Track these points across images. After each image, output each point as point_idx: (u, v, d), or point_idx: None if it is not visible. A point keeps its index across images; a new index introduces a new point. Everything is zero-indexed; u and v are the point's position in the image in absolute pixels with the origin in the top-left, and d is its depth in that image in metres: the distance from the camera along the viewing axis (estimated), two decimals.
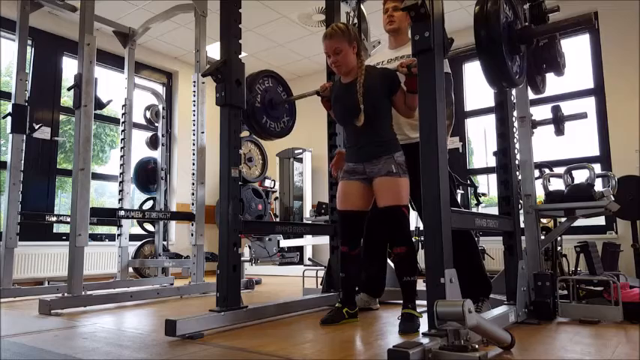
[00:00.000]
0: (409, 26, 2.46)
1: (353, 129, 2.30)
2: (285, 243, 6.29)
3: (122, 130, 4.24)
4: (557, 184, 2.70)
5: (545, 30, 2.01)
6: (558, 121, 2.76)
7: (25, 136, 3.69)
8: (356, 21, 3.37)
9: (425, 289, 1.61)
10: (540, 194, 2.68)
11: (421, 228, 3.93)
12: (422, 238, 3.39)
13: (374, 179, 2.25)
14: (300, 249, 6.55)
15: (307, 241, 6.22)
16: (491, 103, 2.48)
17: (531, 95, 2.58)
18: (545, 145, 4.00)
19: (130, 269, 4.22)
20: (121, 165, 4.16)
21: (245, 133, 6.10)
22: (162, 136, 4.73)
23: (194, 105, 3.79)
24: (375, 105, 2.24)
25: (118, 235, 4.08)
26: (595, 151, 4.81)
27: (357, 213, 2.35)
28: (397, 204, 2.18)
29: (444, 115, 1.69)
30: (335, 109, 2.45)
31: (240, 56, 2.37)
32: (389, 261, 2.96)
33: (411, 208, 2.42)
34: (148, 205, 4.94)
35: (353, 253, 2.36)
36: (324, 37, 2.33)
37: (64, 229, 4.99)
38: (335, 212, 3.01)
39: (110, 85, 5.54)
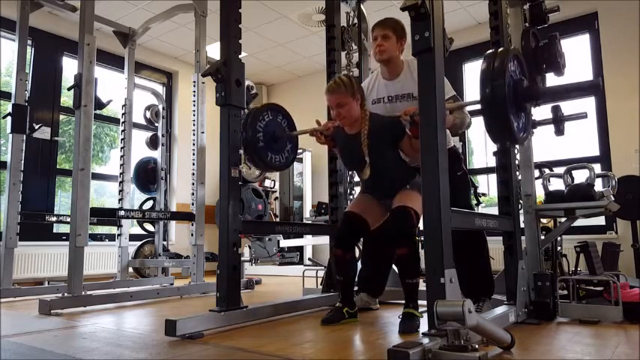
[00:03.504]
0: (401, 53, 2.45)
1: (362, 176, 2.31)
2: (285, 243, 6.29)
3: (122, 130, 4.24)
4: (557, 184, 2.70)
5: (552, 91, 1.97)
6: (558, 121, 2.75)
7: (25, 136, 3.69)
8: (356, 21, 3.37)
9: (425, 289, 1.61)
10: (540, 194, 2.67)
11: (421, 228, 3.93)
12: (422, 238, 3.40)
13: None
14: (300, 249, 6.54)
15: (307, 241, 6.22)
16: None
17: None
18: (545, 145, 4.00)
19: (130, 269, 4.22)
20: (121, 165, 4.17)
21: None
22: (163, 136, 4.73)
23: (194, 105, 3.79)
24: (382, 155, 2.26)
25: (118, 235, 4.08)
26: (595, 151, 4.81)
27: (363, 221, 2.36)
28: (408, 205, 2.18)
29: (444, 115, 1.70)
30: (342, 157, 2.48)
31: (240, 56, 2.37)
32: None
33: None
34: (148, 205, 4.94)
35: (347, 257, 2.36)
36: (327, 92, 2.31)
37: (64, 229, 4.98)
38: (335, 212, 3.02)
39: (110, 85, 5.54)
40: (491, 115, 1.72)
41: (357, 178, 2.77)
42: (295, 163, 6.84)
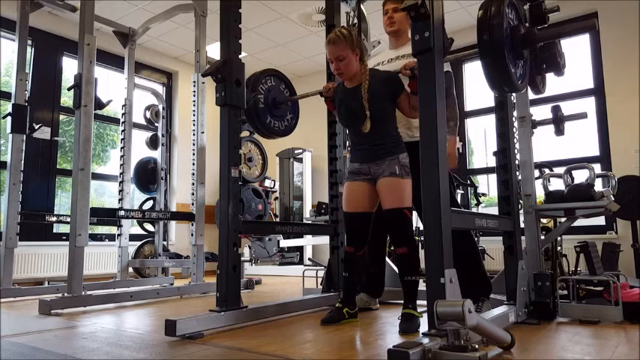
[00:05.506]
0: (409, 27, 2.50)
1: (358, 131, 2.30)
2: (285, 243, 6.29)
3: (122, 130, 4.25)
4: (557, 184, 2.70)
5: (548, 35, 1.99)
6: (558, 121, 2.76)
7: (25, 136, 3.69)
8: (356, 21, 3.37)
9: (425, 289, 1.61)
10: (540, 194, 2.68)
11: (421, 228, 3.93)
12: (422, 238, 3.40)
13: (378, 180, 2.26)
14: (300, 249, 6.54)
15: (307, 241, 6.22)
16: (491, 103, 2.48)
17: (531, 95, 2.58)
18: (545, 145, 4.01)
19: (130, 269, 4.22)
20: (121, 165, 4.17)
21: (245, 133, 6.11)
22: (163, 136, 4.73)
23: (194, 105, 3.79)
24: (380, 110, 2.26)
25: (118, 235, 4.08)
26: (595, 151, 4.81)
27: (363, 214, 2.35)
28: (399, 206, 2.19)
29: (445, 114, 1.69)
30: (340, 112, 2.45)
31: (240, 56, 2.37)
32: (388, 261, 2.96)
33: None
34: (148, 205, 4.94)
35: (359, 254, 2.37)
36: (327, 43, 2.32)
37: (64, 229, 4.99)
38: (335, 212, 3.02)
39: (110, 85, 5.54)
40: (489, 60, 1.72)
41: None
42: (295, 163, 6.85)
